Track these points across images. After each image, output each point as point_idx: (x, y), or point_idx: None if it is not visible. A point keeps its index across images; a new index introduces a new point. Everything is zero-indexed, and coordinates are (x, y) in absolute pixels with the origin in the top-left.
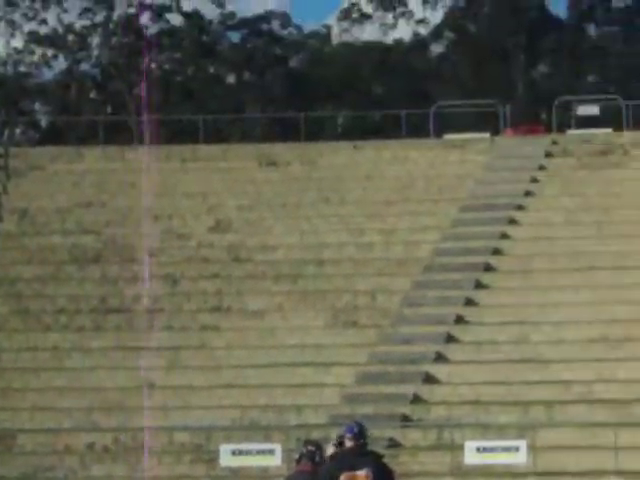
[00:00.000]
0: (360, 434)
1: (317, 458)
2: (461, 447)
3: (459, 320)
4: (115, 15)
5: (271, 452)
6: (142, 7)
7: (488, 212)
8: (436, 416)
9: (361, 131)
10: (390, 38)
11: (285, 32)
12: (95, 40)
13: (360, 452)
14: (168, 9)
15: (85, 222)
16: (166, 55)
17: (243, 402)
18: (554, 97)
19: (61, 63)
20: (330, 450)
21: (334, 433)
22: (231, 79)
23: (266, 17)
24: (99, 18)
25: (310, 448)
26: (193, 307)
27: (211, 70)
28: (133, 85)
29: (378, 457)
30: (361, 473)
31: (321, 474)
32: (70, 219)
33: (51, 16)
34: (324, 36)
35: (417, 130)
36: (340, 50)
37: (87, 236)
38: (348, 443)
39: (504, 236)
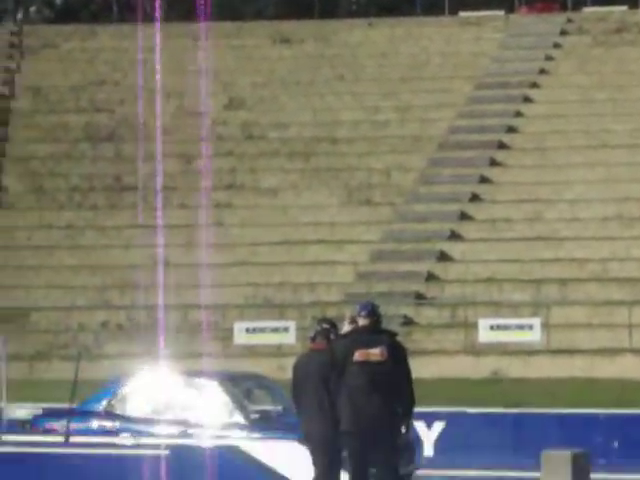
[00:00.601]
0: (373, 312)
1: (332, 336)
2: (475, 325)
3: (473, 198)
4: None
5: (285, 330)
6: None
7: (503, 90)
8: (450, 294)
9: (376, 8)
10: None
11: None
12: None
13: (374, 330)
14: None
15: (98, 100)
16: None
17: (257, 280)
18: None
19: None
20: (345, 328)
21: (348, 311)
22: None
23: None
24: None
25: (325, 326)
26: (207, 185)
27: None
28: None
29: (392, 335)
30: (375, 351)
31: (335, 352)
32: (84, 97)
33: None
34: None
35: (432, 8)
36: None
37: (101, 114)
38: (362, 321)
39: (518, 114)
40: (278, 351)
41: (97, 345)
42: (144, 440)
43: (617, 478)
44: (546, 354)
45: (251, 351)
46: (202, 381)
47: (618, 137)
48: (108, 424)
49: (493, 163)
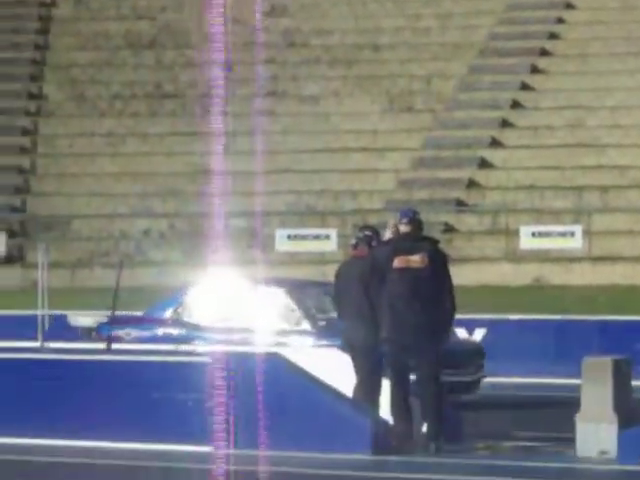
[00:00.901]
0: (415, 219)
1: (374, 243)
2: (516, 232)
3: (514, 105)
4: None
5: (327, 237)
6: None
7: None
8: (491, 201)
9: None
10: None
11: None
12: None
13: (415, 237)
14: None
15: (140, 7)
16: None
17: (298, 187)
18: None
19: None
20: (387, 235)
21: (391, 219)
22: None
23: None
24: None
25: (367, 233)
26: (248, 92)
27: None
28: None
29: (434, 242)
30: (415, 257)
31: (376, 258)
32: (125, 4)
33: None
34: None
35: None
36: None
37: (142, 21)
38: (403, 228)
39: (560, 20)
40: (320, 258)
41: (139, 253)
42: (198, 348)
43: None
44: (587, 261)
45: (293, 258)
46: (270, 288)
47: None
48: (174, 332)
49: (534, 70)
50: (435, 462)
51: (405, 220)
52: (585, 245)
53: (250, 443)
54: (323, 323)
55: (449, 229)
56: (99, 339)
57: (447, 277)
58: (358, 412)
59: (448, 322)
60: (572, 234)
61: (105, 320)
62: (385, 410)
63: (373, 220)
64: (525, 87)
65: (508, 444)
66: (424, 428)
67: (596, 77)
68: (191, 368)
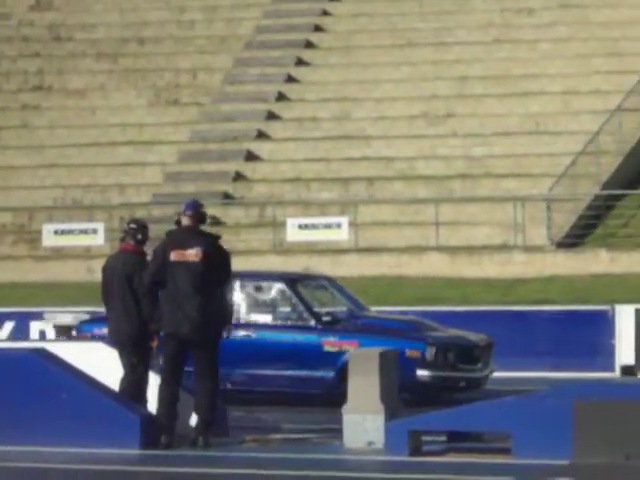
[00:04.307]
0: (198, 212)
1: (139, 236)
2: (283, 224)
3: (280, 97)
4: None
5: (94, 231)
6: None
7: None
8: (258, 193)
9: None
10: None
11: None
12: None
13: (194, 231)
14: None
15: None
16: None
17: (65, 182)
18: None
19: None
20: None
21: (157, 212)
22: None
23: None
24: None
25: (132, 226)
26: (13, 87)
27: None
28: None
29: (213, 238)
30: (191, 252)
31: (154, 250)
32: None
33: None
34: None
35: None
36: None
37: None
38: (185, 221)
39: (325, 13)
40: (87, 253)
41: None
42: None
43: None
44: (354, 252)
45: (60, 253)
46: (268, 283)
47: (423, 36)
48: None
49: (300, 62)
50: (204, 455)
51: (189, 212)
52: (352, 236)
53: (13, 439)
54: (328, 318)
55: (216, 222)
56: (80, 338)
57: (225, 272)
58: (126, 407)
59: (227, 317)
60: (338, 225)
61: (87, 318)
62: (152, 404)
63: (141, 214)
64: (291, 79)
65: (277, 437)
66: (193, 422)
67: (362, 69)
68: None
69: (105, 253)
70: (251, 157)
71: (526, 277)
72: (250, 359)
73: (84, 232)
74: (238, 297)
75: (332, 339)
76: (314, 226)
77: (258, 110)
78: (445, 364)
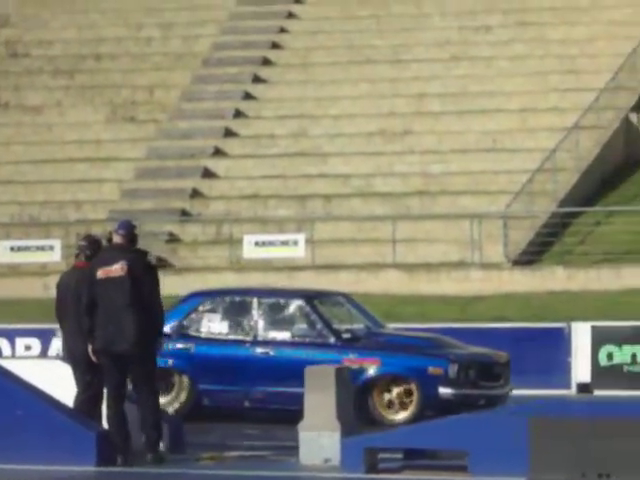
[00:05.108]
0: (130, 232)
1: (88, 252)
2: (240, 241)
3: (238, 114)
4: None
5: (50, 248)
6: None
7: (266, 5)
8: (215, 210)
9: None
10: None
11: None
12: None
13: (121, 248)
14: None
15: None
16: None
17: (22, 198)
18: None
19: None
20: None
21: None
22: None
23: None
24: None
25: (82, 243)
26: None
27: None
28: None
29: (139, 253)
30: (116, 267)
31: (90, 269)
32: None
33: None
34: None
35: None
36: None
37: None
38: (115, 238)
39: (282, 30)
40: (43, 269)
41: None
42: None
43: None
44: (311, 269)
45: (16, 270)
46: (286, 300)
47: (381, 53)
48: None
49: (257, 79)
50: (159, 473)
51: (122, 232)
52: (308, 253)
53: None
54: (348, 335)
55: (173, 239)
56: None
57: (152, 285)
58: (81, 424)
59: (158, 330)
60: (295, 242)
61: None
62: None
63: (97, 230)
64: (248, 96)
65: (233, 454)
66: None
67: (319, 86)
68: None
69: (61, 269)
70: (208, 174)
71: (483, 294)
72: (268, 376)
73: (40, 249)
74: (256, 314)
75: (352, 356)
76: (271, 243)
77: (215, 127)
78: (467, 381)
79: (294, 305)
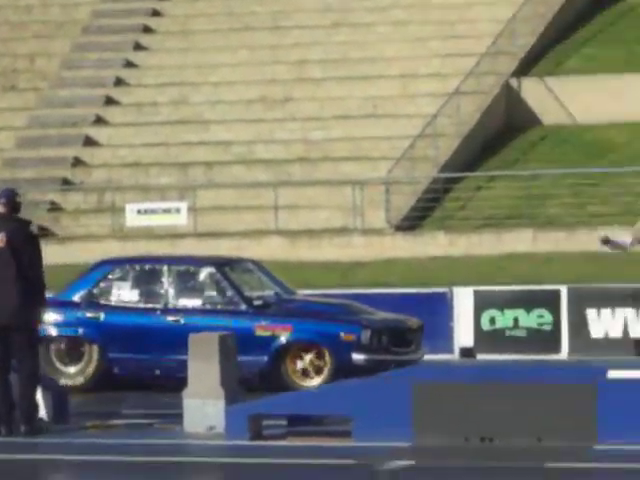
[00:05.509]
0: (12, 200)
1: None
2: (122, 209)
3: (119, 82)
4: None
5: None
6: None
7: None
8: (97, 179)
9: None
10: None
11: None
12: None
13: (8, 218)
14: None
15: None
16: None
17: None
18: None
19: None
20: None
21: None
22: None
23: None
24: None
25: None
26: None
27: None
28: None
29: (21, 222)
30: None
31: None
32: None
33: None
34: None
35: None
36: None
37: None
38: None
39: None
40: None
41: None
42: None
43: None
44: (194, 237)
45: None
46: (197, 267)
47: (261, 19)
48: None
49: (138, 47)
50: (41, 442)
51: (3, 200)
52: (191, 221)
53: None
54: (259, 302)
55: (55, 208)
56: None
57: (34, 255)
58: None
59: (40, 300)
60: (177, 210)
61: None
62: None
63: None
64: (129, 64)
65: (118, 422)
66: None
67: (199, 53)
68: None
69: None
70: (90, 142)
71: (365, 260)
72: (179, 345)
73: None
74: (166, 282)
75: (264, 323)
76: (153, 211)
77: (96, 95)
78: (379, 347)
79: (205, 272)
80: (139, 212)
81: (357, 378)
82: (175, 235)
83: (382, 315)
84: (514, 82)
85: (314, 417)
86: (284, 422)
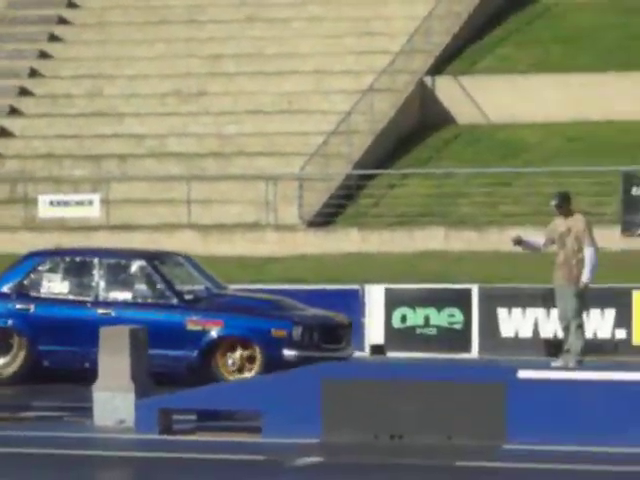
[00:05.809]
0: None
1: None
2: (35, 200)
3: (33, 73)
4: None
5: None
6: None
7: None
8: (10, 169)
9: None
10: None
11: None
12: None
13: None
14: None
15: None
16: None
17: None
18: None
19: None
20: None
21: None
22: None
23: None
24: None
25: None
26: None
27: None
28: None
29: None
30: None
31: None
32: None
33: None
34: None
35: None
36: None
37: None
38: None
39: None
40: None
41: None
42: None
43: None
44: (106, 229)
45: None
46: (128, 260)
47: (177, 13)
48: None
49: (53, 38)
50: None
51: None
52: (103, 213)
53: None
54: (190, 296)
55: None
56: None
57: None
58: None
59: None
60: (90, 202)
61: None
62: None
63: None
64: (44, 55)
65: (28, 414)
66: None
67: (115, 46)
68: None
69: None
70: (3, 133)
71: (278, 256)
72: None
73: None
74: (97, 274)
75: (195, 318)
76: (66, 203)
77: (10, 86)
78: (310, 343)
79: (135, 266)
80: (52, 204)
81: (267, 374)
82: (88, 227)
83: (313, 311)
84: (428, 80)
85: (225, 412)
86: (194, 417)
